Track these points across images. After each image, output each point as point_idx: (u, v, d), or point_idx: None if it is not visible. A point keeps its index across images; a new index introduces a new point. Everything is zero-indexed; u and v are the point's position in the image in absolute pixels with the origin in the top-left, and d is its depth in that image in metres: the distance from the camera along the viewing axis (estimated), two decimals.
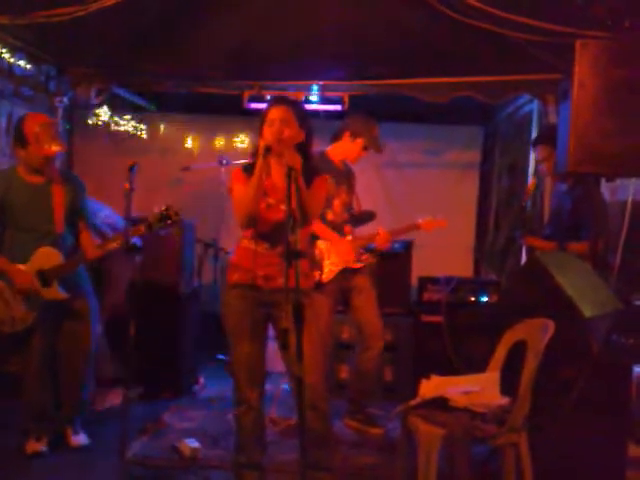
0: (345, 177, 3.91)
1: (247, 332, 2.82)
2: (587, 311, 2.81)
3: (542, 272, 2.96)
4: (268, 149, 2.69)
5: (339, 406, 3.95)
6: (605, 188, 3.89)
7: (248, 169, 2.80)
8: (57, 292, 3.33)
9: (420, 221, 3.98)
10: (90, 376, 3.53)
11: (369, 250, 3.95)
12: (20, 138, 3.32)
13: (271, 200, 2.81)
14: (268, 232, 2.80)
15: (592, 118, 3.19)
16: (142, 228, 3.14)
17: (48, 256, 3.33)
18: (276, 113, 2.78)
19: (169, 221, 3.12)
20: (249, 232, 2.85)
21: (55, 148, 3.33)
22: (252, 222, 2.78)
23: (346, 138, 3.87)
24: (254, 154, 2.82)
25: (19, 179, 3.39)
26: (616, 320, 3.04)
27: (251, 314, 2.82)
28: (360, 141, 3.86)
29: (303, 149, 2.78)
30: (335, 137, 3.92)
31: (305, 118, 2.85)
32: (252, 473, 2.89)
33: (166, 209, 3.12)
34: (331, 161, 3.85)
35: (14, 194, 3.35)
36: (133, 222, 3.08)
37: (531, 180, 4.06)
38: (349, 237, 3.85)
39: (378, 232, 3.89)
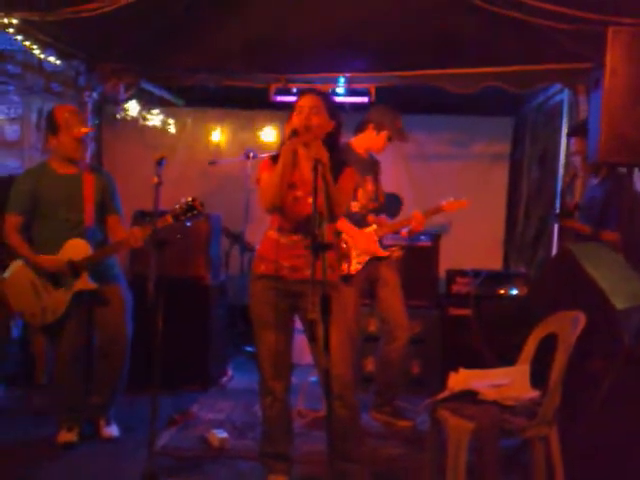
0: (370, 167, 3.89)
1: (272, 323, 2.83)
2: (619, 303, 2.76)
3: (573, 264, 2.92)
4: (295, 132, 2.68)
5: (366, 399, 3.95)
6: (638, 178, 3.82)
7: (276, 159, 2.81)
8: (87, 282, 3.38)
9: (443, 203, 3.93)
10: (125, 366, 3.55)
11: (408, 233, 3.93)
12: (52, 125, 3.41)
13: (299, 193, 2.80)
14: (295, 225, 2.81)
15: (624, 106, 3.14)
16: (169, 218, 3.17)
17: (78, 247, 3.37)
18: (305, 101, 2.79)
19: (195, 212, 3.15)
20: (276, 223, 2.85)
21: (84, 130, 3.44)
22: (276, 209, 2.79)
23: (370, 130, 3.86)
24: (282, 144, 2.83)
25: (50, 172, 3.46)
26: None
27: (276, 305, 2.83)
28: (384, 133, 3.85)
29: (331, 141, 2.77)
30: (359, 129, 3.90)
31: (335, 110, 2.86)
32: (279, 463, 2.91)
33: (192, 200, 3.15)
34: (355, 152, 3.83)
35: (44, 186, 3.41)
36: (162, 215, 3.10)
37: (568, 172, 4.01)
38: (373, 227, 3.83)
39: (413, 214, 3.86)
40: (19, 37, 4.03)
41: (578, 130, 3.97)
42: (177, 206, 3.17)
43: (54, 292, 3.37)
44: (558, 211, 3.95)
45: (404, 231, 3.95)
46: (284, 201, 2.79)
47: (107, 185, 3.56)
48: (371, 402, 3.96)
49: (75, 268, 3.35)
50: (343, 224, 3.71)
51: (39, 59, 4.43)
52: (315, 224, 2.41)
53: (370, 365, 4.49)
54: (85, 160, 3.57)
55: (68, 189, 3.43)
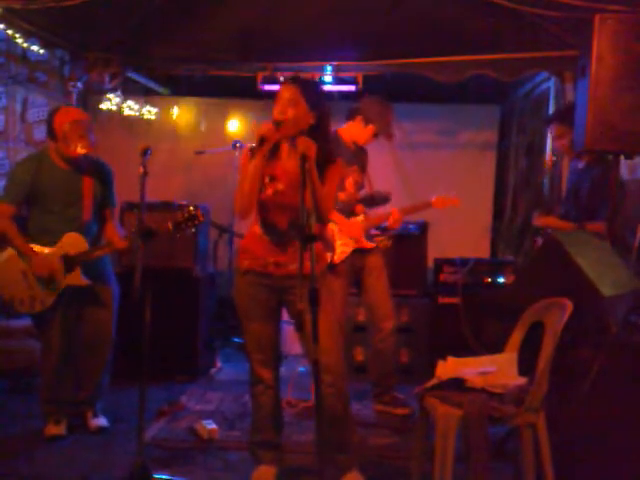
0: (357, 156, 3.87)
1: (259, 316, 2.83)
2: (606, 291, 2.77)
3: (560, 252, 2.92)
4: (262, 140, 2.61)
5: (356, 389, 3.96)
6: (624, 166, 3.82)
7: (254, 150, 2.78)
8: (80, 278, 3.35)
9: (433, 199, 3.94)
10: (110, 361, 3.55)
11: (381, 229, 3.94)
12: (50, 132, 3.35)
13: (280, 186, 2.75)
14: (277, 218, 2.77)
15: (611, 94, 3.13)
16: (170, 226, 3.13)
17: (74, 241, 3.35)
18: (282, 92, 2.71)
19: (196, 221, 3.12)
20: (259, 217, 2.82)
21: (81, 150, 3.32)
22: (245, 216, 2.76)
23: (358, 121, 3.83)
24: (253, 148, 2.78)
25: (51, 162, 3.41)
26: (635, 300, 2.99)
27: (263, 301, 2.82)
28: (372, 127, 3.81)
29: (316, 132, 2.68)
30: (348, 117, 3.88)
31: (318, 99, 2.75)
32: (269, 452, 2.91)
33: (194, 209, 3.12)
34: (342, 140, 3.81)
35: (45, 176, 3.37)
36: (149, 206, 3.07)
37: (548, 159, 4.01)
38: (360, 217, 3.83)
39: (391, 211, 3.88)
40: (1, 26, 3.98)
41: (556, 116, 3.96)
42: (179, 214, 3.13)
43: (45, 283, 3.33)
44: (538, 212, 3.92)
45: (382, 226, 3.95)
46: (265, 195, 2.75)
47: (106, 180, 3.52)
48: (371, 394, 3.97)
49: (69, 262, 3.33)
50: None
51: (23, 48, 4.37)
52: (303, 216, 2.39)
53: (360, 355, 4.50)
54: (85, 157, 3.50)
55: (67, 182, 3.39)
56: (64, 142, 3.31)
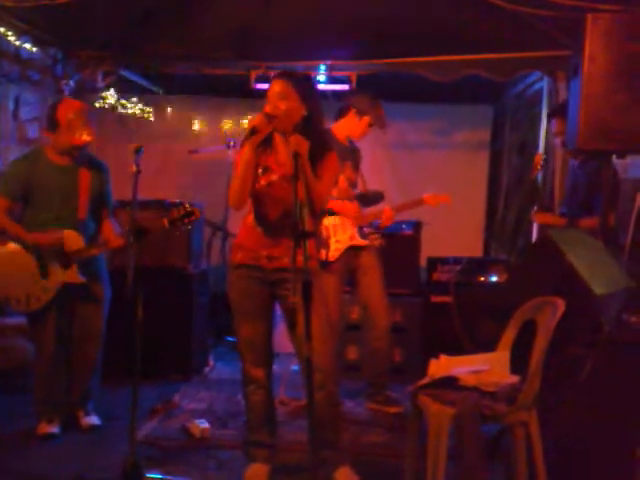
0: (350, 154, 3.90)
1: (251, 312, 2.82)
2: (598, 289, 2.77)
3: (553, 250, 2.93)
4: (253, 130, 2.62)
5: (349, 387, 3.96)
6: (616, 165, 3.83)
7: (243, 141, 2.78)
8: (76, 276, 3.34)
9: (424, 196, 3.97)
10: (100, 360, 3.55)
11: (374, 227, 3.95)
12: (52, 122, 3.33)
13: (274, 177, 2.76)
14: (270, 209, 2.77)
15: (603, 93, 3.14)
16: (165, 223, 3.12)
17: (71, 239, 3.34)
18: (273, 87, 2.73)
19: (193, 218, 3.12)
20: (252, 209, 2.82)
21: (86, 138, 3.34)
22: (238, 207, 2.76)
23: (352, 115, 3.86)
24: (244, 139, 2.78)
25: (46, 160, 3.39)
26: (628, 299, 3.00)
27: (255, 294, 2.81)
28: (367, 119, 3.86)
29: (309, 125, 2.70)
30: (340, 114, 3.91)
31: (309, 91, 2.77)
32: (262, 451, 2.91)
33: (190, 206, 3.11)
34: (335, 138, 3.83)
35: (40, 175, 3.35)
36: (142, 205, 3.06)
37: (537, 155, 4.01)
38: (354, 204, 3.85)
39: (383, 209, 3.91)
40: None
41: (559, 111, 3.97)
42: (174, 212, 3.12)
43: (41, 281, 3.32)
44: (536, 209, 3.96)
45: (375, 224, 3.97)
46: (258, 186, 2.75)
47: (103, 179, 3.51)
48: (364, 392, 3.97)
49: (66, 260, 3.32)
50: (333, 203, 3.70)
51: (15, 46, 4.35)
52: (296, 212, 2.39)
53: (353, 354, 4.50)
54: (83, 153, 3.47)
55: (62, 181, 3.37)
56: (68, 131, 3.30)
